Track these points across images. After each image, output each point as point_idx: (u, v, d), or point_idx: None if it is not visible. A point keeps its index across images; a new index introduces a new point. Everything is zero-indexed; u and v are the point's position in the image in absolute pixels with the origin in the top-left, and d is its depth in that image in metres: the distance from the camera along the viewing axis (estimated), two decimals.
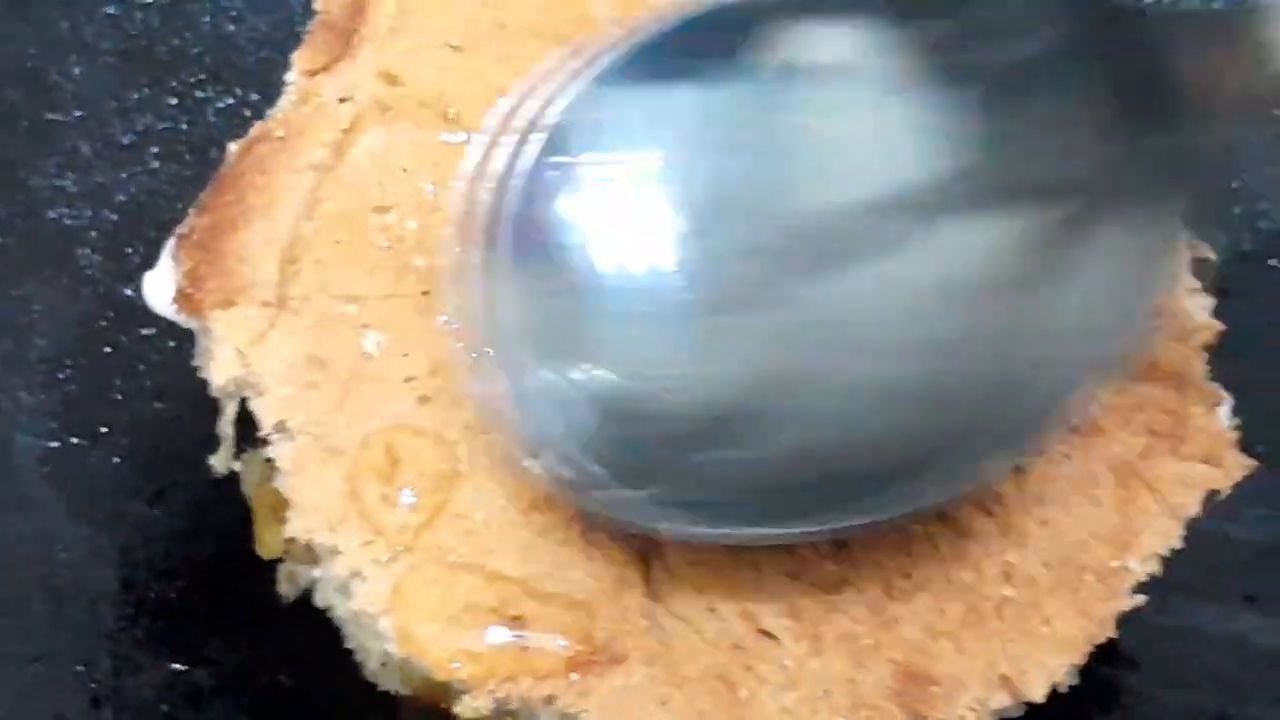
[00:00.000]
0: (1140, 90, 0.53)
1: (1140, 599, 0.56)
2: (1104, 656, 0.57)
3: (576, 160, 0.55)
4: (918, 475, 0.52)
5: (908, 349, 0.52)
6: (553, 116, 0.55)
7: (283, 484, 0.53)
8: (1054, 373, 0.52)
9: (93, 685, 0.60)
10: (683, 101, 0.55)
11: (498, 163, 0.55)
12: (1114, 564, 0.55)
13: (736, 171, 0.55)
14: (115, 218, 0.70)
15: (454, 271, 0.55)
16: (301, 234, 0.57)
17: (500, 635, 0.51)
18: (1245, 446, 0.58)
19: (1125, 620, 0.59)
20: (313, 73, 0.61)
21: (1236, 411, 0.59)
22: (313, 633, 0.60)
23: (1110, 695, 0.64)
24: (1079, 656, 0.54)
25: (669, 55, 0.56)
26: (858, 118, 0.55)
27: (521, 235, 0.54)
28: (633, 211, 0.55)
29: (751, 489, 0.52)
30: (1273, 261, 0.74)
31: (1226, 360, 0.60)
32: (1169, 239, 0.54)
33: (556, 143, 0.55)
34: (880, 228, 0.53)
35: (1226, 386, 0.59)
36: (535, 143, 0.55)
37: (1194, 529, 0.57)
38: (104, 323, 0.67)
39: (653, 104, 0.55)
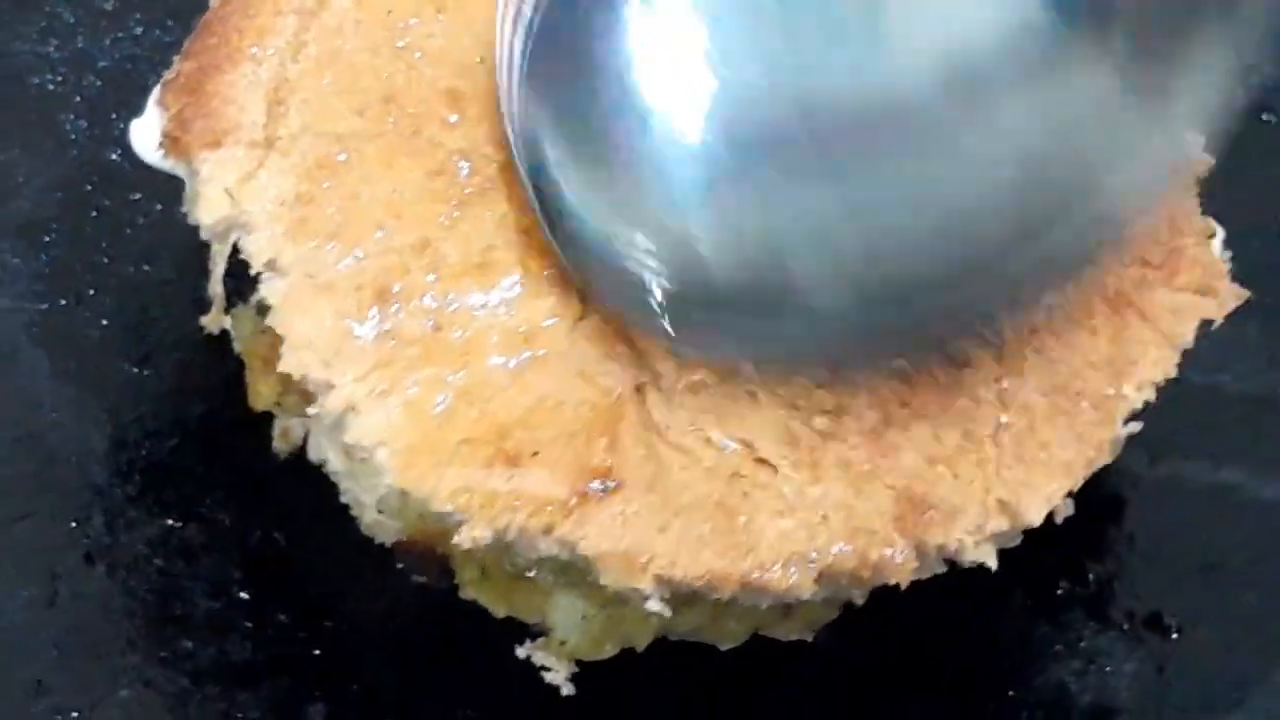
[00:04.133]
0: None
1: (1136, 426, 0.56)
2: (1095, 507, 0.58)
3: None
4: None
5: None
6: None
7: (275, 321, 0.53)
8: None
9: (85, 541, 0.60)
10: None
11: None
12: (1110, 391, 0.55)
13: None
14: (99, 83, 0.69)
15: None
16: (287, 76, 0.57)
17: (497, 465, 0.51)
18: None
19: (1116, 471, 0.59)
20: None
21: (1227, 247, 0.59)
22: (306, 491, 0.60)
23: (1101, 546, 0.65)
24: (1075, 482, 0.54)
25: None
26: None
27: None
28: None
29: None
30: (1266, 117, 0.74)
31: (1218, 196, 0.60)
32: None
33: None
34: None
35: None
36: None
37: (1185, 381, 0.57)
38: (89, 186, 0.67)
39: None
